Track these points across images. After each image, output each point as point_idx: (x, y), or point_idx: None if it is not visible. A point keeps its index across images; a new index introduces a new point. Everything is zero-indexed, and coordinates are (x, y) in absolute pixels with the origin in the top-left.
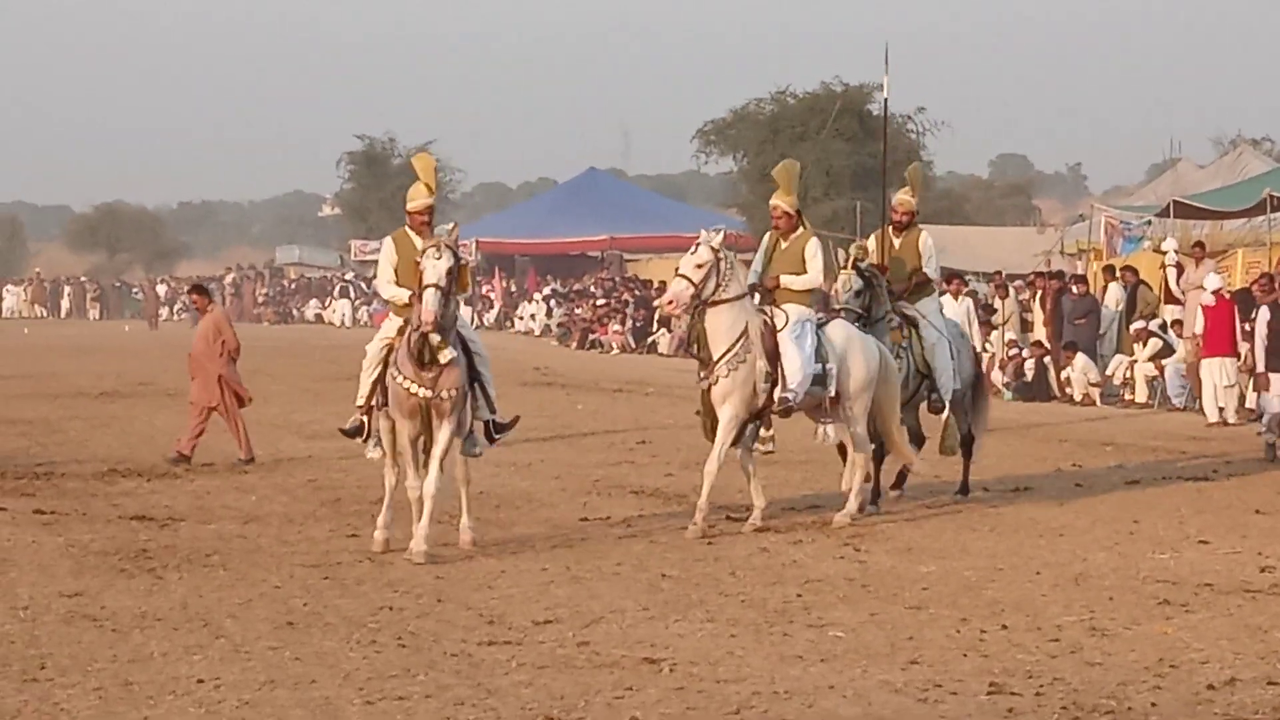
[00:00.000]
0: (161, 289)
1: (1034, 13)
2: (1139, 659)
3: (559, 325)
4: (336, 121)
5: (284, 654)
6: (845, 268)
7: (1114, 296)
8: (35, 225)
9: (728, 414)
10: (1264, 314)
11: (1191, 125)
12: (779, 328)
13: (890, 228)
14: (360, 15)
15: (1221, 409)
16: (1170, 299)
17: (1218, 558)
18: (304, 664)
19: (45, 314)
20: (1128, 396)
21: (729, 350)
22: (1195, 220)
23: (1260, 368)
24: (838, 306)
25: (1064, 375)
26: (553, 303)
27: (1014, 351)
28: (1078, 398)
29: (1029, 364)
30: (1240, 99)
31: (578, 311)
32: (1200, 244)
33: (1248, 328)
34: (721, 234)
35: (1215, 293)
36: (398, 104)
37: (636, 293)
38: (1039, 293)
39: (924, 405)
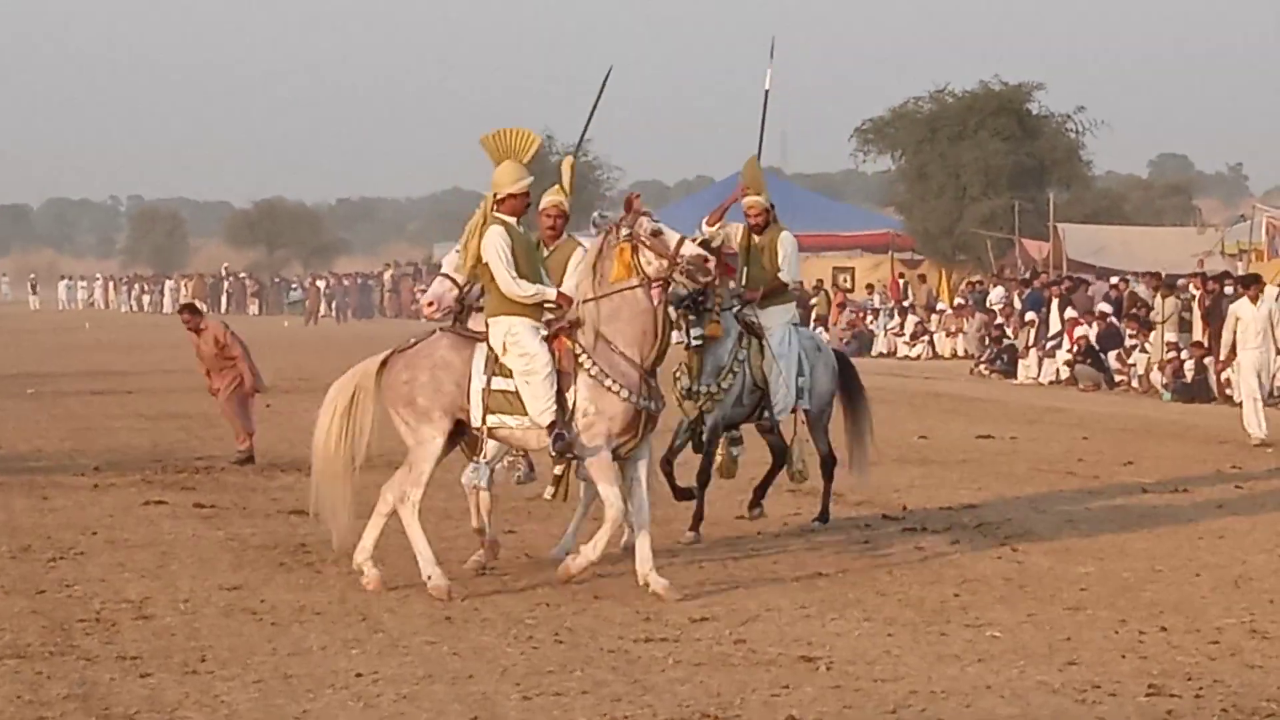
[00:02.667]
0: (321, 285)
1: (1195, 11)
2: None
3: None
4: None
5: (441, 649)
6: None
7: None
8: (196, 221)
9: None
10: None
11: None
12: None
13: (750, 228)
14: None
15: None
16: None
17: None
18: (461, 659)
19: (207, 309)
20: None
21: None
22: None
23: None
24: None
25: (1224, 376)
26: None
27: (1172, 354)
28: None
29: (1189, 365)
30: None
31: None
32: None
33: None
34: None
35: None
36: (555, 101)
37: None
38: (1198, 294)
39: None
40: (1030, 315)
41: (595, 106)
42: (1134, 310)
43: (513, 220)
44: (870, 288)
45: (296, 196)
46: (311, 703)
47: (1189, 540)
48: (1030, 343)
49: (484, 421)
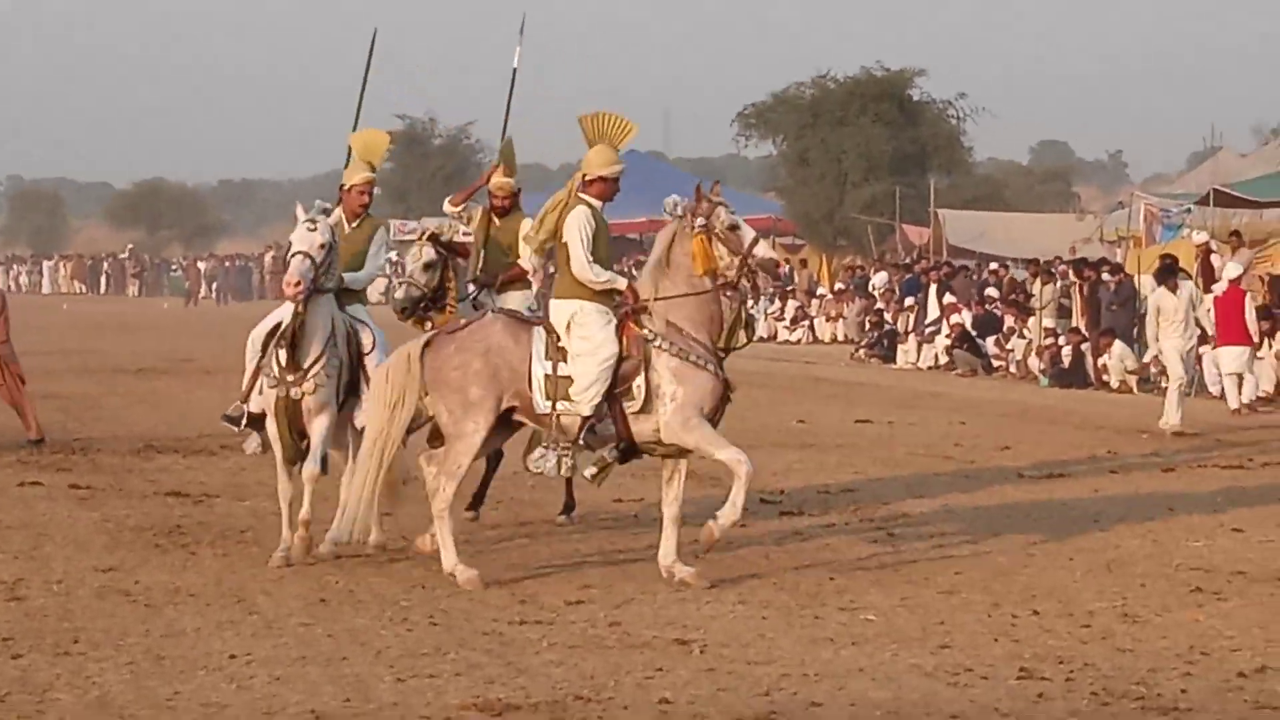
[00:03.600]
0: (202, 266)
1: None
2: (1170, 645)
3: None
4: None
5: (316, 630)
6: (420, 240)
7: (1149, 284)
8: (76, 202)
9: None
10: None
11: (1232, 114)
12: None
13: (491, 211)
14: None
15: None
16: (1209, 287)
17: (1251, 545)
18: (336, 640)
19: (85, 290)
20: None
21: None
22: (1235, 209)
23: None
24: (401, 281)
25: (1101, 362)
26: None
27: (1050, 340)
28: (1114, 385)
29: (1066, 351)
30: None
31: None
32: (1236, 233)
33: None
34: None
35: (1232, 281)
36: (438, 85)
37: None
38: (1075, 280)
39: None
40: (909, 300)
41: (512, 91)
42: (1013, 296)
43: (598, 204)
44: None
45: (178, 178)
46: (184, 684)
47: (1063, 525)
48: (909, 328)
49: (553, 409)
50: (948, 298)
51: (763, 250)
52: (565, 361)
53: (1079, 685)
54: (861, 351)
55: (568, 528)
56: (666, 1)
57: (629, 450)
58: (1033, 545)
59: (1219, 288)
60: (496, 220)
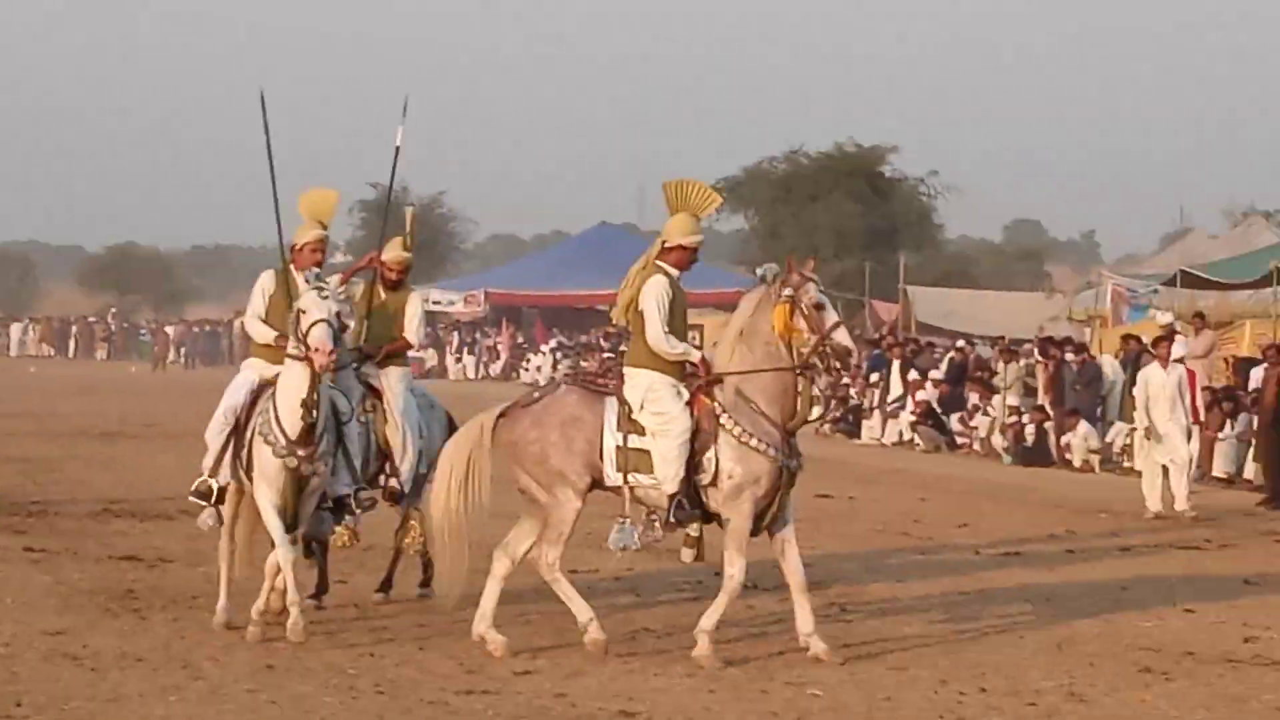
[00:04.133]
0: (170, 330)
1: (1052, 79)
2: None
3: (565, 376)
4: (351, 170)
5: (260, 697)
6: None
7: (1110, 364)
8: (47, 265)
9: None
10: None
11: (1204, 196)
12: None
13: (381, 283)
14: (375, 65)
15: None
16: None
17: (1203, 627)
18: (279, 708)
19: (53, 353)
20: (1127, 464)
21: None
22: (1202, 290)
23: None
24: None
25: (1064, 441)
26: (559, 354)
27: (1014, 418)
28: (1077, 464)
29: (1029, 429)
30: (1252, 171)
31: (583, 364)
32: (1200, 314)
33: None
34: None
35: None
36: (412, 154)
37: None
38: (1040, 359)
39: None
40: (874, 376)
41: (394, 168)
42: (978, 373)
43: (675, 273)
44: (716, 345)
45: (150, 241)
46: None
47: (1017, 603)
48: (874, 403)
49: (625, 480)
50: (912, 374)
51: (841, 336)
52: (638, 434)
53: None
54: (826, 426)
55: (522, 604)
56: (642, 75)
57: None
58: (984, 622)
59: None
60: (383, 293)
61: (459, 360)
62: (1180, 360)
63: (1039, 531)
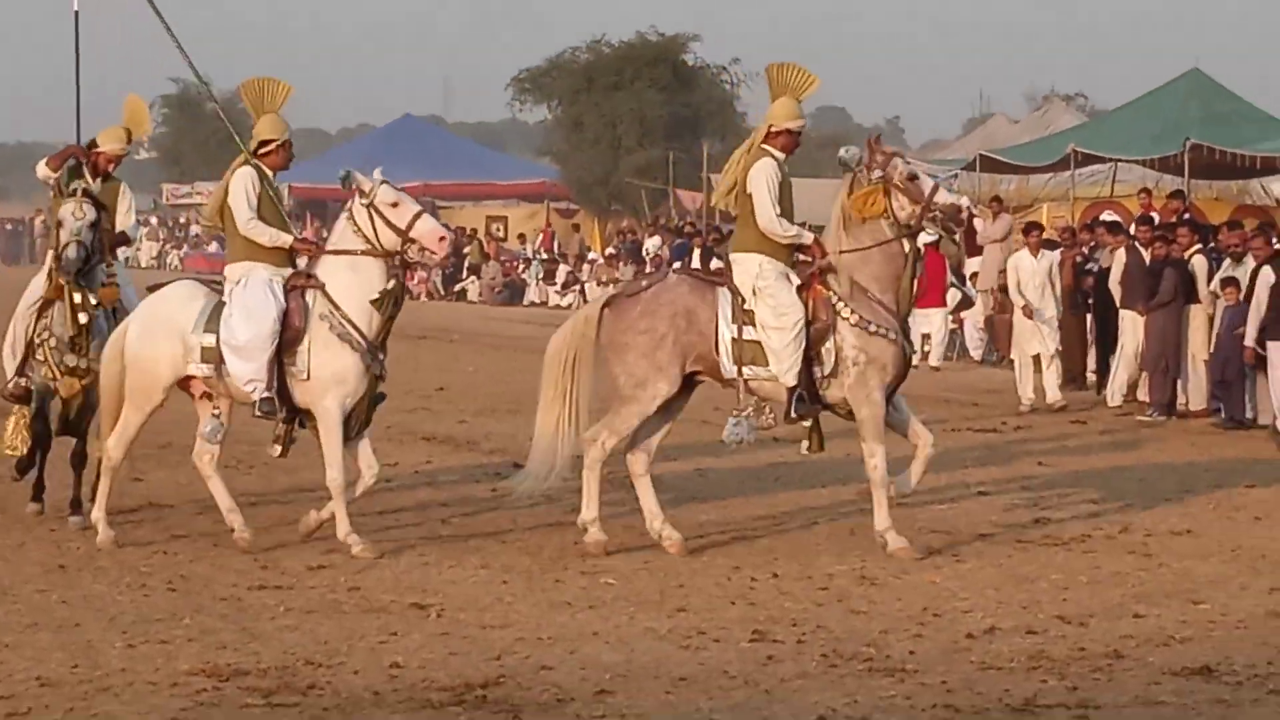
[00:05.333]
0: None
1: None
2: (903, 608)
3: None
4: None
5: (51, 597)
6: (79, 197)
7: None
8: None
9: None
10: (1266, 275)
11: (1007, 80)
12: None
13: (90, 175)
14: None
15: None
16: (972, 252)
17: (995, 509)
18: (70, 607)
19: None
20: (926, 349)
21: None
22: (1003, 174)
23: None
24: (69, 240)
25: None
26: None
27: None
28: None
29: None
30: (1053, 55)
31: None
32: (997, 198)
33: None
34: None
35: (928, 246)
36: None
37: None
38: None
39: None
40: (678, 265)
41: (77, 38)
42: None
43: (782, 156)
44: (522, 237)
45: None
46: None
47: (811, 489)
48: None
49: (740, 374)
50: (714, 263)
51: (944, 196)
52: (751, 325)
53: (810, 647)
54: None
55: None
56: None
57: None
58: (778, 508)
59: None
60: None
61: None
62: (1051, 246)
63: (838, 420)
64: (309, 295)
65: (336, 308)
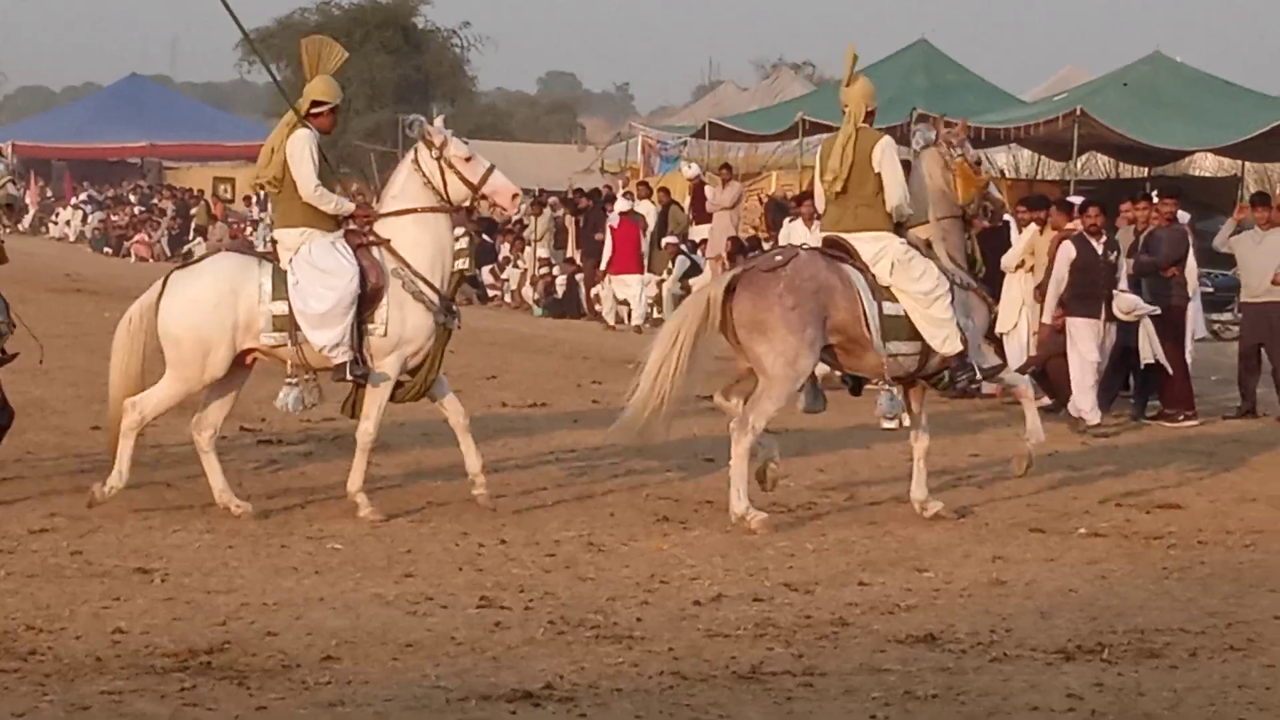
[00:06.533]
0: None
1: None
2: (631, 574)
3: (94, 232)
4: None
5: None
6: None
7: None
8: None
9: None
10: (1068, 250)
11: (736, 49)
12: None
13: None
14: None
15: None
16: (699, 220)
17: (721, 476)
18: None
19: None
20: (657, 315)
21: None
22: (733, 142)
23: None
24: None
25: (594, 293)
26: (88, 209)
27: (545, 270)
28: (609, 318)
29: (560, 281)
30: (782, 23)
31: (114, 219)
32: (727, 165)
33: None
34: None
35: (622, 214)
36: None
37: (175, 200)
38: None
39: None
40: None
41: None
42: (509, 225)
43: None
44: (249, 199)
45: None
46: None
47: (542, 456)
48: None
49: (885, 350)
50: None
51: (994, 190)
52: (890, 301)
53: (537, 614)
54: None
55: (49, 456)
56: None
57: None
58: (507, 475)
59: (612, 219)
60: None
61: None
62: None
63: (567, 384)
64: (375, 252)
65: (406, 264)
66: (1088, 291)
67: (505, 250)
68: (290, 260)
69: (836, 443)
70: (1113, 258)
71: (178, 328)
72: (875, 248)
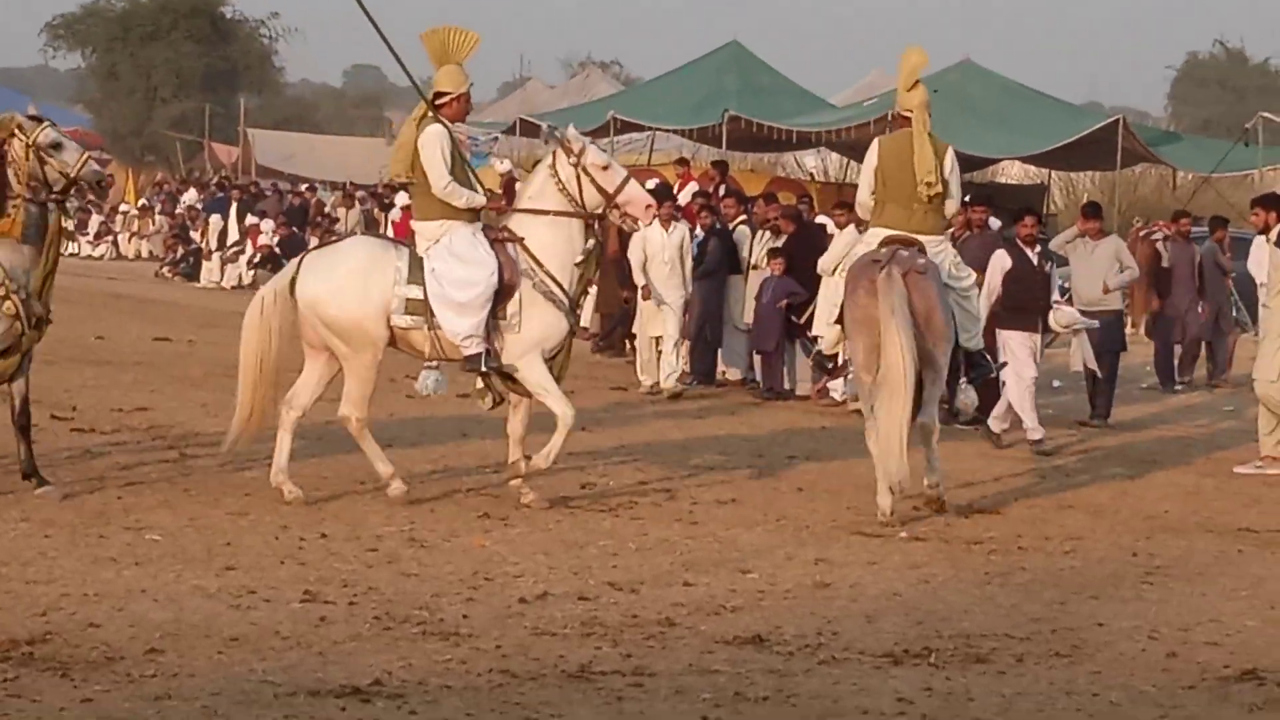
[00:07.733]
0: None
1: None
2: (454, 571)
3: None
4: None
5: None
6: None
7: None
8: None
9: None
10: (1002, 259)
11: (543, 46)
12: None
13: None
14: None
15: None
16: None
17: (542, 473)
18: None
19: None
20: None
21: None
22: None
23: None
24: None
25: None
26: None
27: None
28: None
29: None
30: (590, 21)
31: None
32: (539, 163)
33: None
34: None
35: (404, 208)
36: None
37: None
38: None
39: None
40: (215, 219)
41: None
42: (318, 219)
43: None
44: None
45: None
46: None
47: (353, 446)
48: (214, 247)
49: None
50: (250, 218)
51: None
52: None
53: (362, 609)
54: (166, 269)
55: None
56: None
57: None
58: (325, 470)
59: (394, 214)
60: None
61: None
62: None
63: (380, 377)
64: (510, 249)
65: (539, 265)
66: (1023, 303)
67: (314, 242)
68: (428, 249)
69: (654, 443)
70: (1048, 268)
71: (330, 311)
72: (939, 248)
